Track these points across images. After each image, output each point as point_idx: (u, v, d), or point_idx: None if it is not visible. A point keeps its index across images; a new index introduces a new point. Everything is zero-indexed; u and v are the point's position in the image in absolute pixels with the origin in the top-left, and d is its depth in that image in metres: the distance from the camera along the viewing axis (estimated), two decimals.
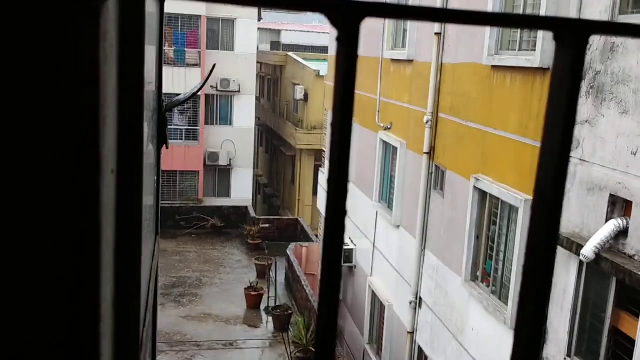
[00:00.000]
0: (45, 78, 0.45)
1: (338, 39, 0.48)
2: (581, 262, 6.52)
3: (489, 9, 8.57)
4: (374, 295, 13.42)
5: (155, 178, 1.51)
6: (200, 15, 25.66)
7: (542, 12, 7.36)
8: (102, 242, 0.50)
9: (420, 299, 11.07)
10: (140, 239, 0.76)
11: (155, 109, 1.42)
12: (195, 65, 25.74)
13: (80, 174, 0.46)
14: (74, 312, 0.50)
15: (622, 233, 6.08)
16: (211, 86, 26.28)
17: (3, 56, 0.44)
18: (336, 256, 0.54)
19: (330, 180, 0.49)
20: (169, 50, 25.62)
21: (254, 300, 17.74)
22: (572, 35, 0.51)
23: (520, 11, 8.15)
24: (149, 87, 1.52)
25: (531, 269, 0.56)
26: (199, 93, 25.22)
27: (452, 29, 10.03)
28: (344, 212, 0.50)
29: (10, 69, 0.45)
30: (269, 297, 17.65)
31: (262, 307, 17.76)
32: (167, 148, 1.53)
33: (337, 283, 0.51)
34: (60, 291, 0.50)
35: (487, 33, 8.67)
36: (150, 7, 1.30)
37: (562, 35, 0.51)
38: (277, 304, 17.39)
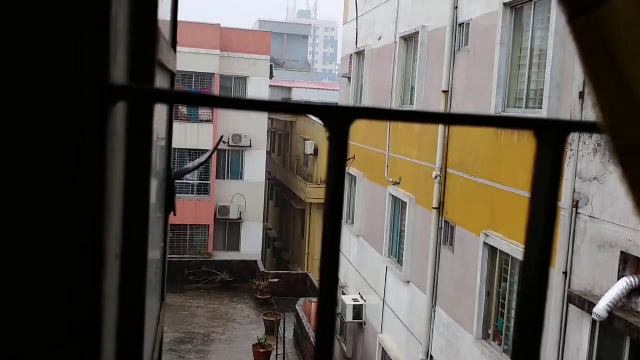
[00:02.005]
0: (55, 178, 0.48)
1: (329, 139, 0.52)
2: (594, 321, 6.41)
3: (495, 68, 8.73)
4: (384, 353, 13.16)
5: (163, 244, 1.54)
6: (213, 73, 26.24)
7: (548, 72, 7.48)
8: (103, 330, 0.52)
9: (432, 357, 10.85)
10: (143, 331, 0.78)
11: (164, 177, 1.46)
12: (207, 121, 26.16)
13: (83, 261, 0.49)
14: None
15: (635, 291, 5.99)
16: (223, 141, 26.61)
17: (10, 152, 0.48)
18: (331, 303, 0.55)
19: (321, 284, 0.51)
20: (182, 107, 26.11)
21: (262, 357, 17.43)
22: (551, 135, 0.54)
23: (526, 72, 8.28)
24: (159, 154, 1.57)
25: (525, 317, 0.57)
26: (209, 147, 25.51)
27: (459, 86, 10.19)
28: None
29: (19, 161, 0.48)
30: (277, 355, 17.35)
31: None
32: (174, 215, 1.56)
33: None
34: None
35: (494, 90, 8.80)
36: (162, 82, 1.36)
37: (541, 135, 0.54)
38: None
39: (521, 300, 0.57)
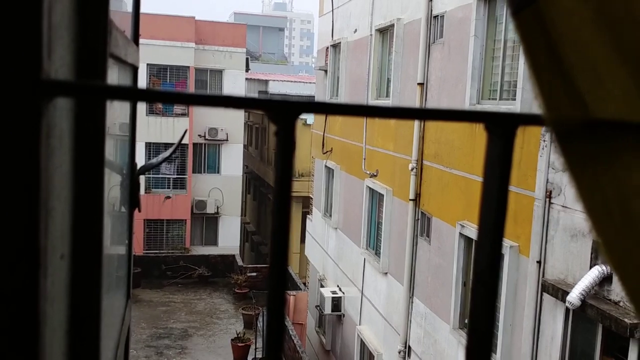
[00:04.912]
0: None
1: (276, 134, 0.51)
2: (567, 309, 6.51)
3: (469, 60, 8.78)
4: (362, 344, 13.24)
5: (127, 241, 1.52)
6: (188, 66, 26.00)
7: (521, 64, 7.55)
8: (44, 336, 0.51)
9: (409, 347, 10.94)
10: (99, 330, 0.76)
11: (127, 173, 1.44)
12: (183, 115, 25.94)
13: (16, 269, 0.47)
14: None
15: (607, 279, 6.10)
16: (199, 135, 26.44)
17: None
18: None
19: (270, 271, 0.50)
20: None
21: (240, 351, 17.41)
22: (501, 127, 0.54)
23: (500, 64, 8.35)
24: (122, 148, 1.54)
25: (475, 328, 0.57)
26: (186, 142, 25.34)
27: (434, 78, 10.24)
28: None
29: None
30: (256, 348, 17.35)
31: (250, 358, 17.43)
32: (139, 211, 1.54)
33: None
34: None
35: (469, 82, 8.86)
36: (124, 77, 1.33)
37: (492, 127, 0.54)
38: (265, 355, 17.06)
39: (474, 289, 0.57)
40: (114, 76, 1.11)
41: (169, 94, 0.49)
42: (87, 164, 0.67)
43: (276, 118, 0.49)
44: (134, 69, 1.42)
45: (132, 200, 1.43)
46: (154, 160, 3.35)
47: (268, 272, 0.51)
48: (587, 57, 0.47)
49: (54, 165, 0.53)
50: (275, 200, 0.51)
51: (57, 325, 0.59)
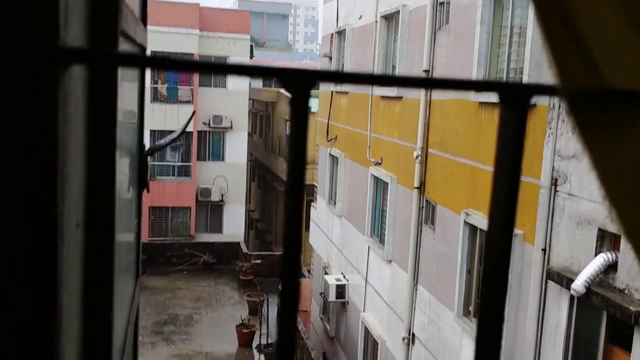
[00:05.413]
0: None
1: (291, 102, 0.51)
2: (572, 297, 6.52)
3: (475, 46, 8.74)
4: (366, 332, 13.30)
5: (136, 221, 1.53)
6: (192, 54, 25.95)
7: (527, 50, 7.50)
8: (62, 300, 0.51)
9: (413, 334, 10.98)
10: (112, 298, 0.77)
11: (136, 154, 1.44)
12: (187, 102, 25.93)
13: (35, 232, 0.47)
14: None
15: (612, 267, 6.10)
16: (203, 122, 26.44)
17: None
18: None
19: (284, 240, 0.51)
20: (161, 88, 25.84)
21: (245, 337, 17.52)
22: (515, 97, 0.54)
23: (506, 50, 8.30)
24: (130, 131, 1.54)
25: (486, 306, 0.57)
26: (190, 129, 25.35)
27: (440, 65, 10.20)
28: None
29: None
30: (260, 335, 17.45)
31: (254, 344, 17.54)
32: (147, 192, 1.55)
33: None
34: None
35: (475, 68, 8.81)
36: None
37: (505, 98, 0.54)
38: (270, 341, 17.19)
39: (486, 266, 0.57)
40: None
41: (179, 61, 0.49)
42: (100, 133, 0.67)
43: (291, 87, 0.49)
44: (142, 50, 1.42)
45: (141, 181, 1.44)
46: (162, 141, 3.37)
47: (281, 258, 0.51)
48: (601, 29, 0.47)
49: (70, 134, 0.53)
50: (289, 169, 0.51)
51: (73, 290, 0.60)
